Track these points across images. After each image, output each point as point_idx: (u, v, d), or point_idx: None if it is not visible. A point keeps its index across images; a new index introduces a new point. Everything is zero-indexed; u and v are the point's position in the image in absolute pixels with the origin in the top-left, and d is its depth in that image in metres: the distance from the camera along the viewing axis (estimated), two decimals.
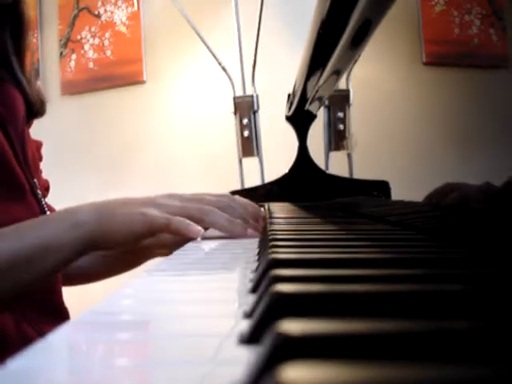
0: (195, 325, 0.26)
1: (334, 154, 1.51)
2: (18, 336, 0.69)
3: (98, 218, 0.59)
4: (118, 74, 2.29)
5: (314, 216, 0.82)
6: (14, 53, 0.79)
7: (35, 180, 0.78)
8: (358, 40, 0.66)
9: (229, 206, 0.65)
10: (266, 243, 0.45)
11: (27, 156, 0.77)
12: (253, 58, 1.74)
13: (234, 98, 1.75)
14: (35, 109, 0.82)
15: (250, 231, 0.64)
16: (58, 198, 1.10)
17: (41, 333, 0.71)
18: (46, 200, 0.87)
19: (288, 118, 1.27)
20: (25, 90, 0.79)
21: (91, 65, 2.33)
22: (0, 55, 0.78)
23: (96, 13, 2.32)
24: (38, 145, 0.88)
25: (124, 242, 0.61)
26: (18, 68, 0.80)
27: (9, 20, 0.79)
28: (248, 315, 0.26)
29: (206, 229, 0.67)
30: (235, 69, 1.83)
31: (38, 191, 0.77)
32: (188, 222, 0.60)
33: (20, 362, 0.20)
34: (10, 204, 0.71)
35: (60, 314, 0.78)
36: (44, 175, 0.90)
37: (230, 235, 0.63)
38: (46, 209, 0.79)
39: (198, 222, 0.61)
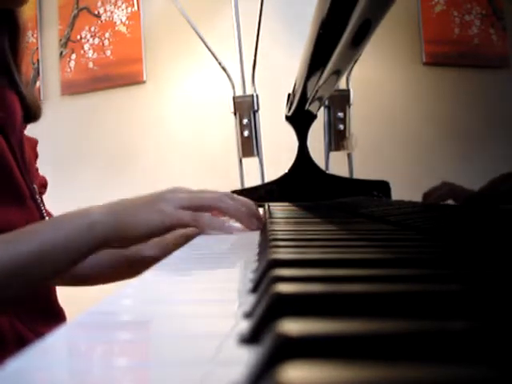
0: (195, 325, 0.26)
1: (334, 154, 1.51)
2: (13, 336, 0.69)
3: (111, 217, 0.62)
4: (118, 73, 2.29)
5: (314, 216, 0.82)
6: (11, 58, 0.80)
7: (34, 186, 0.78)
8: (358, 40, 0.66)
9: (232, 197, 0.69)
10: (265, 243, 0.45)
11: (26, 161, 0.77)
12: (253, 57, 1.74)
13: (234, 98, 1.75)
14: (32, 113, 0.82)
15: (253, 220, 0.68)
16: (58, 198, 1.10)
17: (36, 333, 0.71)
18: (44, 197, 0.87)
19: (288, 118, 1.27)
20: (22, 95, 0.80)
21: (91, 65, 2.32)
22: None
23: (96, 13, 2.32)
24: (34, 143, 0.88)
25: (139, 239, 0.64)
26: (16, 73, 0.80)
27: (6, 26, 0.79)
28: (248, 315, 0.26)
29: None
30: (235, 69, 1.83)
31: (37, 197, 0.78)
32: (219, 220, 0.65)
33: (19, 362, 0.20)
34: (10, 208, 0.71)
35: (55, 314, 0.79)
36: (43, 175, 0.90)
37: (237, 221, 0.68)
38: (45, 214, 0.79)
39: (207, 208, 0.65)
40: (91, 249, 0.62)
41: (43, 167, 0.90)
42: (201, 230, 0.66)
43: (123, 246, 0.67)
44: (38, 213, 0.77)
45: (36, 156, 0.88)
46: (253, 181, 1.69)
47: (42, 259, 0.60)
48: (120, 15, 2.29)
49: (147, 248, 0.79)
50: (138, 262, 0.82)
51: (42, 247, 0.60)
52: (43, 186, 0.87)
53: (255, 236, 0.63)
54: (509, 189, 0.42)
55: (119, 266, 0.85)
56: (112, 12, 2.30)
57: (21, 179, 0.74)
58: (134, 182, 2.23)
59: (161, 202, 0.64)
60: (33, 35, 2.38)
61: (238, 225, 0.69)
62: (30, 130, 0.86)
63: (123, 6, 2.29)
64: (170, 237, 0.74)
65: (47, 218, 0.80)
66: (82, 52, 2.34)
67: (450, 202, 0.60)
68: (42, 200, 0.84)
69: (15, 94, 0.79)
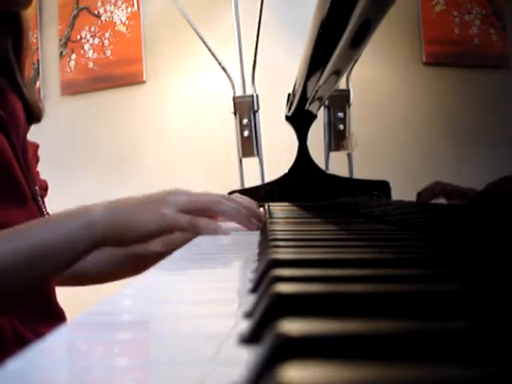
0: (195, 325, 0.26)
1: (334, 154, 1.51)
2: (13, 337, 0.69)
3: (110, 217, 0.62)
4: (118, 74, 2.29)
5: (314, 216, 0.82)
6: (14, 60, 0.80)
7: (36, 187, 0.78)
8: (358, 40, 0.66)
9: (231, 199, 0.70)
10: (266, 243, 0.45)
11: (28, 163, 0.77)
12: (253, 58, 1.74)
13: (234, 98, 1.75)
14: (34, 114, 0.82)
15: (253, 220, 0.69)
16: (58, 198, 1.10)
17: (36, 333, 0.71)
18: (45, 199, 0.87)
19: (288, 118, 1.27)
20: (24, 97, 0.80)
21: (91, 65, 2.33)
22: (2, 63, 0.79)
23: (96, 13, 2.32)
24: (35, 147, 0.88)
25: (138, 240, 0.64)
26: (18, 75, 0.80)
27: (10, 27, 0.79)
28: (248, 315, 0.26)
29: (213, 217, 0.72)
30: (235, 69, 1.83)
31: (39, 198, 0.78)
32: (214, 223, 0.66)
33: (19, 362, 0.20)
34: (11, 209, 0.71)
35: (55, 315, 0.79)
36: (43, 175, 0.90)
37: (237, 222, 0.69)
38: (47, 216, 0.79)
39: (206, 211, 0.67)
40: (89, 247, 0.62)
41: (43, 167, 0.90)
42: (197, 234, 0.66)
43: (122, 245, 0.67)
44: (39, 214, 0.77)
45: (37, 160, 0.88)
46: (253, 181, 1.69)
47: (38, 256, 0.59)
48: (120, 15, 2.29)
49: (152, 243, 0.80)
50: (142, 257, 0.82)
51: (39, 244, 0.59)
52: (44, 189, 0.88)
53: (255, 236, 0.63)
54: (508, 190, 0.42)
55: (122, 262, 0.84)
56: (112, 12, 2.30)
57: (22, 180, 0.74)
58: (134, 181, 2.23)
59: (161, 205, 0.64)
60: (33, 35, 2.38)
61: (234, 225, 0.70)
62: (30, 130, 0.86)
63: (123, 6, 2.29)
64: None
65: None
66: (82, 52, 2.34)
67: (443, 201, 0.60)
68: (43, 203, 0.85)
69: (17, 95, 0.79)
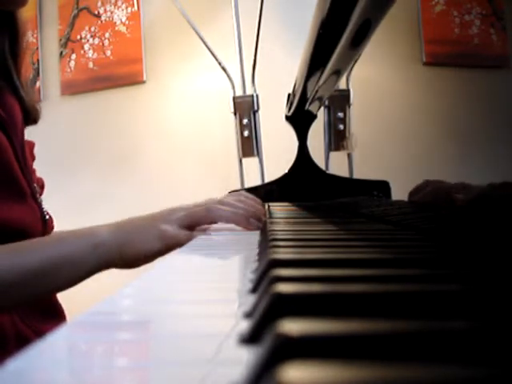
0: (195, 325, 0.26)
1: (334, 154, 1.51)
2: (14, 335, 0.69)
3: (115, 239, 0.64)
4: (118, 74, 2.29)
5: (314, 216, 0.82)
6: (11, 61, 0.80)
7: (35, 185, 0.79)
8: (358, 40, 0.66)
9: (229, 202, 0.72)
10: (266, 243, 0.45)
11: (26, 161, 0.78)
12: (253, 58, 1.74)
13: (234, 98, 1.75)
14: (31, 116, 0.83)
15: (252, 220, 0.71)
16: (58, 198, 1.10)
17: (37, 332, 0.72)
18: (43, 197, 0.87)
19: (288, 118, 1.27)
20: (22, 98, 0.80)
21: (91, 65, 2.32)
22: None
23: (96, 13, 2.32)
24: (31, 146, 0.88)
25: (143, 260, 0.67)
26: (15, 76, 0.80)
27: (6, 29, 0.79)
28: (248, 315, 0.26)
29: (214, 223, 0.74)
30: (235, 69, 1.83)
31: (38, 196, 0.78)
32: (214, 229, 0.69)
33: (20, 362, 0.20)
34: (12, 205, 0.72)
35: (55, 313, 0.79)
36: (43, 175, 0.90)
37: (236, 224, 0.71)
38: (46, 213, 0.80)
39: (205, 220, 0.70)
40: (97, 268, 0.64)
41: (43, 167, 0.90)
42: None
43: (128, 266, 0.69)
44: (38, 212, 0.78)
45: (33, 158, 0.89)
46: (253, 181, 1.69)
47: (44, 274, 0.61)
48: (120, 15, 2.29)
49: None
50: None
51: (45, 263, 0.61)
52: (40, 186, 0.88)
53: (255, 236, 0.63)
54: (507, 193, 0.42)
55: None
56: (112, 12, 2.30)
57: (22, 178, 0.75)
58: (134, 182, 2.23)
59: (161, 223, 0.67)
60: (33, 35, 2.38)
61: (233, 226, 0.71)
62: (30, 130, 0.86)
63: (123, 6, 2.29)
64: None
65: (47, 217, 0.80)
66: (82, 52, 2.34)
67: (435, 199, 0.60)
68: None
69: (15, 97, 0.79)
